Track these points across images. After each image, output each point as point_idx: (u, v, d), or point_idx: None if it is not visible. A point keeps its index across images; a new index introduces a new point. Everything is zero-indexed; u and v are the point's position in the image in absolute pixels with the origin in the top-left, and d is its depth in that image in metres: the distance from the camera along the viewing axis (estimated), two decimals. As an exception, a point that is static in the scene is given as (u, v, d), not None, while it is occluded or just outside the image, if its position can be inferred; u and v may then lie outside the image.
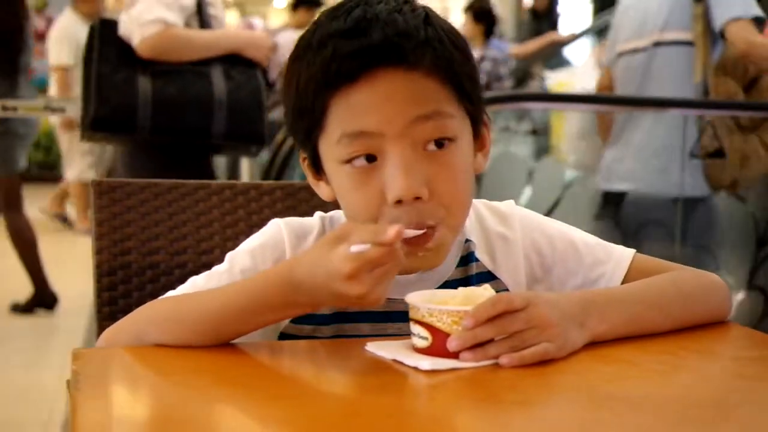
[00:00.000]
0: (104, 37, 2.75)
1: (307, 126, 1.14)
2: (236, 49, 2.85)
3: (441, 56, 1.11)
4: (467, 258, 1.22)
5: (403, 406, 0.93)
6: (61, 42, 6.35)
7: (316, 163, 1.18)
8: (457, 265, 1.22)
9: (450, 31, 1.14)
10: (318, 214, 1.25)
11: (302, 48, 1.14)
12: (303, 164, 1.22)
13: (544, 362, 1.00)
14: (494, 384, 0.97)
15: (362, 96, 1.09)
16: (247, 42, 2.89)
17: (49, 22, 10.48)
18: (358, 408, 0.91)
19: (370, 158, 1.10)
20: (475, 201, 1.24)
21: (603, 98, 3.42)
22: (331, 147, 1.13)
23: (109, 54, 2.72)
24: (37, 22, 10.51)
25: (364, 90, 1.09)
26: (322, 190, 1.21)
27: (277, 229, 1.21)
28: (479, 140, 1.19)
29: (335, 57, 1.09)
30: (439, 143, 1.11)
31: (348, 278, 0.96)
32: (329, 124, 1.11)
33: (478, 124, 1.17)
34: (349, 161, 1.11)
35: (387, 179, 1.09)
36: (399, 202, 1.09)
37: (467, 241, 1.23)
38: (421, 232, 1.09)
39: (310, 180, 1.22)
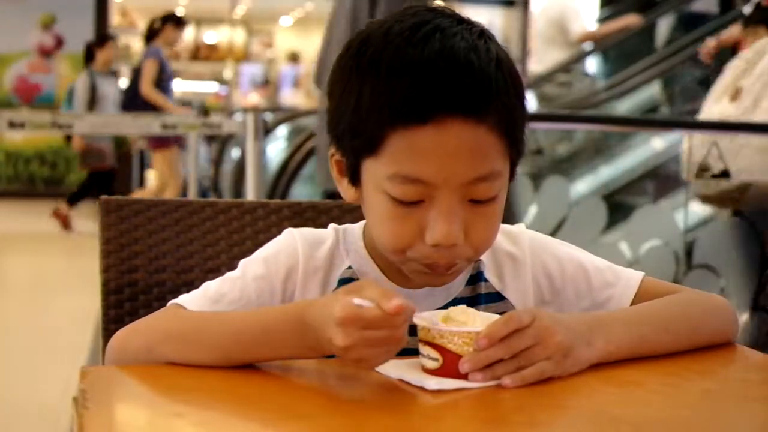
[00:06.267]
0: None
1: (359, 146, 1.11)
2: None
3: (506, 109, 1.08)
4: (476, 277, 1.23)
5: (409, 427, 0.93)
6: None
7: (354, 172, 1.14)
8: (467, 284, 1.22)
9: (510, 71, 1.10)
10: (332, 226, 1.24)
11: (368, 61, 1.09)
12: (331, 159, 1.19)
13: (550, 383, 1.01)
14: (501, 405, 0.97)
15: (428, 142, 1.06)
16: None
17: (57, 38, 10.51)
18: (364, 428, 0.91)
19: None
20: None
21: (608, 119, 3.42)
22: (378, 174, 1.10)
23: None
24: (44, 39, 10.54)
25: (431, 136, 1.05)
26: (345, 191, 1.19)
27: (291, 237, 1.21)
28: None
29: (409, 95, 1.05)
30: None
31: (337, 324, 0.96)
32: (384, 154, 1.08)
33: (515, 168, 1.15)
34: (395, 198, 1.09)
35: (430, 222, 1.08)
36: (436, 244, 1.09)
37: (477, 260, 1.23)
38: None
39: (335, 175, 1.20)
